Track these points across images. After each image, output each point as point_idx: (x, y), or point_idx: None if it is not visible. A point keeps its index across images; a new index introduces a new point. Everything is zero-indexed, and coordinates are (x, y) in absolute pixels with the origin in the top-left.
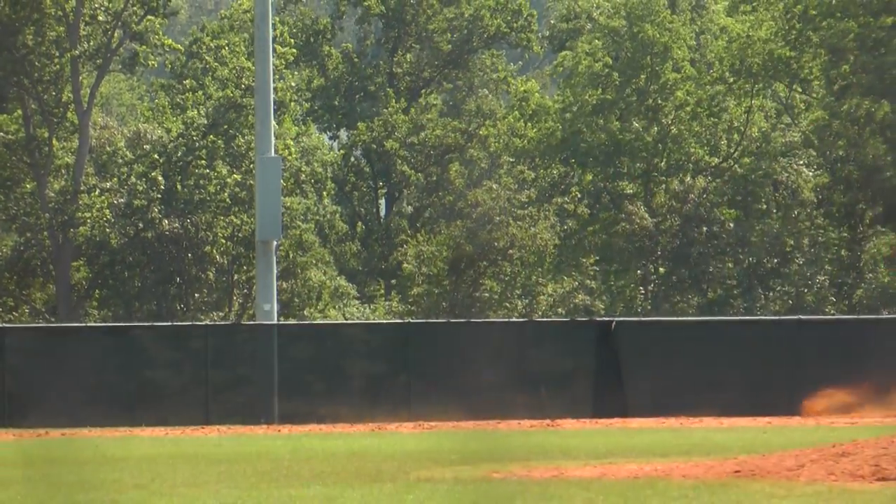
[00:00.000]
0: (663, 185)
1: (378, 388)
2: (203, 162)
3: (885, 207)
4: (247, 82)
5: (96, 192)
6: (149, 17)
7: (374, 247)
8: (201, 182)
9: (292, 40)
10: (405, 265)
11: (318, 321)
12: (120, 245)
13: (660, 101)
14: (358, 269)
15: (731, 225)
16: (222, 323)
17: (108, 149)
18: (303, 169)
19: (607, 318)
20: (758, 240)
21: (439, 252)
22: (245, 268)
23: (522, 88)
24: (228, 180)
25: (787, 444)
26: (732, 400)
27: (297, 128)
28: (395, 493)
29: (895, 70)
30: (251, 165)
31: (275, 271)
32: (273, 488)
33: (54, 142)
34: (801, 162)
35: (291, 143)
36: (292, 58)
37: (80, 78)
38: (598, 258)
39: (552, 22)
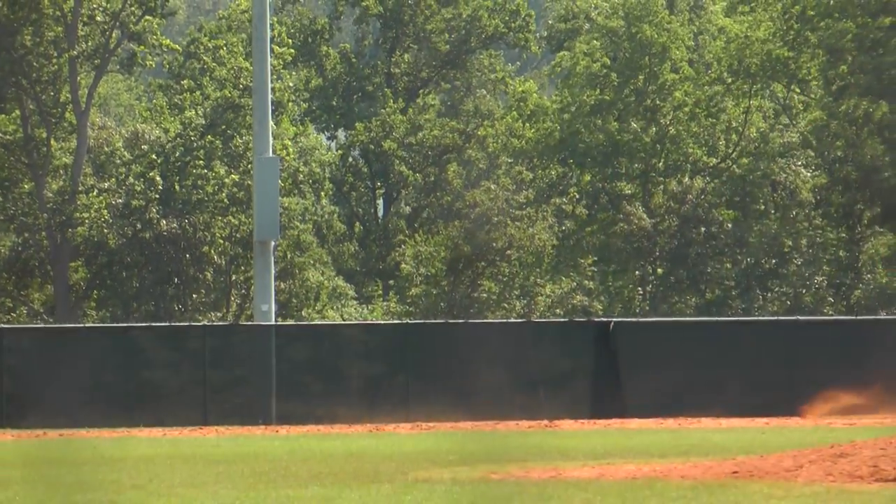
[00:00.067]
0: (661, 186)
1: (376, 388)
2: (201, 162)
3: (884, 208)
4: (245, 82)
5: (94, 193)
6: (147, 17)
7: (372, 247)
8: (199, 182)
9: (290, 40)
10: (403, 266)
11: (316, 322)
12: (118, 245)
13: (658, 102)
14: (356, 269)
15: (730, 225)
16: (220, 323)
17: (106, 149)
18: (301, 169)
19: (605, 319)
20: (756, 240)
21: (437, 252)
22: (243, 268)
23: (520, 89)
24: (226, 181)
25: (786, 445)
26: (731, 401)
27: (294, 128)
28: (393, 493)
29: (893, 70)
30: (249, 166)
31: (273, 272)
32: (271, 489)
33: (52, 142)
34: (800, 162)
35: (289, 143)
36: (290, 58)
37: (78, 78)
38: (596, 259)
39: (550, 22)
